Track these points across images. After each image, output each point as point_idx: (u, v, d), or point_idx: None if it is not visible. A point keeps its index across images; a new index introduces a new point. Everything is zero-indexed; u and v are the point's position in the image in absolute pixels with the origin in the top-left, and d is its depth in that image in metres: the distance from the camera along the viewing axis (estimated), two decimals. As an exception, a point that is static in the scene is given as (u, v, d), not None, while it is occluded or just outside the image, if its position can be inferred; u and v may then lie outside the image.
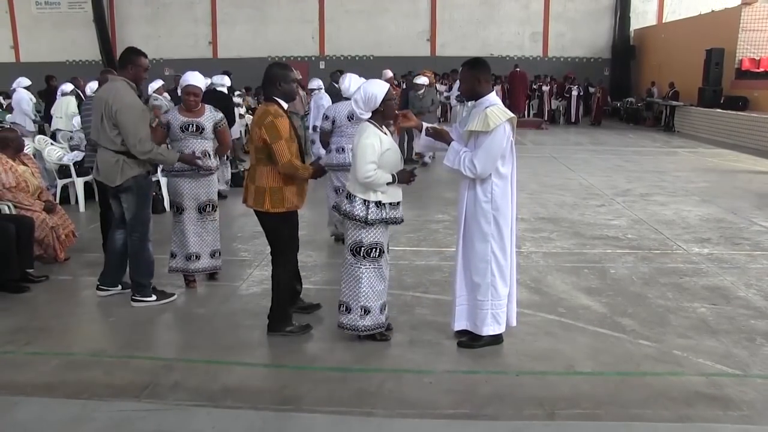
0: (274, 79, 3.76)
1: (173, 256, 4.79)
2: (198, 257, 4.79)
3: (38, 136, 9.26)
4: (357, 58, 22.61)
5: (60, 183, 7.70)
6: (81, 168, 7.68)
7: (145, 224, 4.45)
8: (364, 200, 3.61)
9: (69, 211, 6.15)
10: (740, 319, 4.23)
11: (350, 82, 5.78)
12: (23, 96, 10.66)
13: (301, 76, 10.32)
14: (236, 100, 12.66)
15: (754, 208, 7.77)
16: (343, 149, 5.60)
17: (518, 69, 19.40)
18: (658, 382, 3.38)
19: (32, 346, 3.84)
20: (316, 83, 9.60)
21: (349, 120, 5.56)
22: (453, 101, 13.42)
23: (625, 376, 3.46)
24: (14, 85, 11.00)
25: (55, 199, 6.28)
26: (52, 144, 8.45)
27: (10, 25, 24.18)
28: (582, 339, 3.94)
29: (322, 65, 22.02)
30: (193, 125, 4.67)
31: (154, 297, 4.52)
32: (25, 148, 5.96)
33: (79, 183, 7.58)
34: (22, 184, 5.31)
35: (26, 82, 10.98)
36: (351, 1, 23.13)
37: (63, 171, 7.81)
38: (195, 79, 4.71)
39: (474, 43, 22.74)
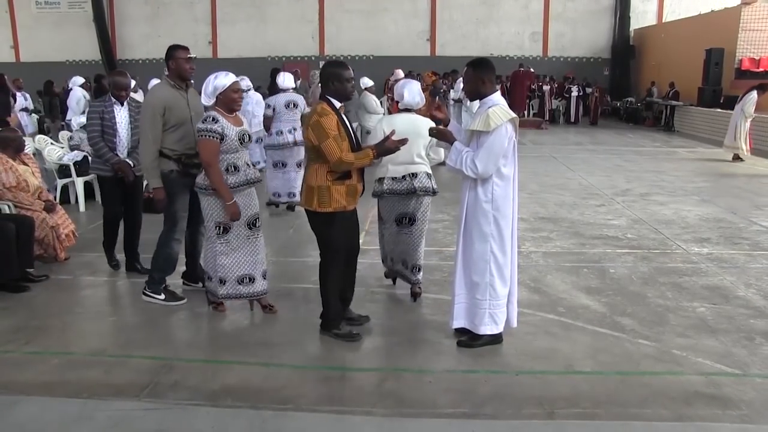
0: (326, 78, 3.77)
1: (223, 282, 4.19)
2: (252, 279, 4.23)
3: (38, 136, 9.28)
4: (357, 57, 22.60)
5: (60, 183, 7.70)
6: (81, 168, 7.69)
7: (171, 220, 4.40)
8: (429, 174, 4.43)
9: (69, 211, 6.15)
10: (739, 319, 4.23)
11: (284, 78, 7.39)
12: (75, 94, 10.96)
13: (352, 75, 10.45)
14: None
15: (753, 207, 7.78)
16: (281, 132, 7.15)
17: (522, 68, 19.38)
18: (657, 382, 3.39)
19: (32, 345, 3.84)
20: (245, 83, 9.92)
21: (286, 108, 7.18)
22: (450, 101, 13.43)
23: (625, 376, 3.47)
24: (70, 84, 11.39)
25: (54, 199, 6.27)
26: (52, 144, 8.46)
27: (10, 25, 24.16)
28: (581, 338, 3.94)
29: (322, 65, 22.01)
30: (246, 135, 4.14)
31: (162, 296, 4.50)
32: (26, 148, 5.95)
33: (79, 183, 7.59)
34: (23, 184, 5.31)
35: (80, 80, 11.44)
36: (351, 0, 23.13)
37: (63, 171, 7.81)
38: (232, 75, 4.14)
39: (474, 43, 22.75)
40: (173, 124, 4.25)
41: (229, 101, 4.06)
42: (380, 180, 4.41)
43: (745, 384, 3.35)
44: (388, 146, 3.70)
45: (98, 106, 5.02)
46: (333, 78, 3.73)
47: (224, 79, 4.04)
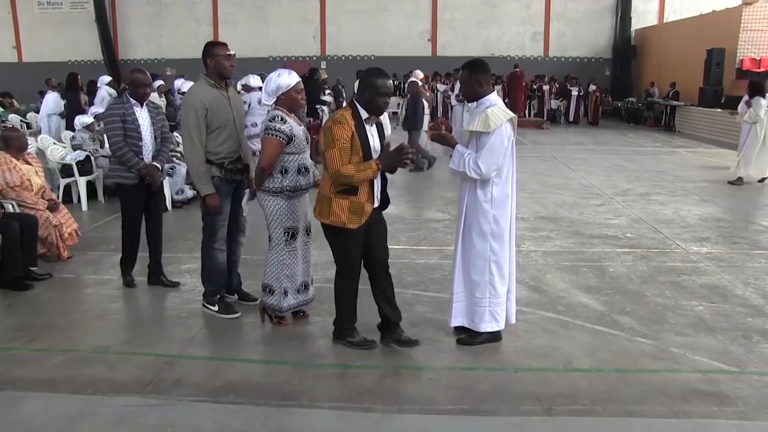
0: (361, 85, 3.59)
1: (286, 294, 4.00)
2: (306, 287, 4.12)
3: (41, 136, 9.32)
4: (358, 58, 22.65)
5: (63, 182, 7.74)
6: (83, 167, 7.73)
7: (210, 229, 4.20)
8: None
9: (71, 210, 6.19)
10: (737, 317, 4.26)
11: (254, 78, 8.14)
12: (100, 93, 11.27)
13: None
14: (328, 98, 12.65)
15: (753, 207, 7.80)
16: (255, 124, 7.22)
17: (517, 69, 19.43)
18: (654, 379, 3.42)
19: (36, 342, 3.89)
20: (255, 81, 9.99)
21: (258, 104, 7.40)
22: (453, 101, 13.49)
23: (623, 373, 3.50)
24: (99, 83, 11.65)
25: (57, 198, 6.31)
26: (54, 143, 8.50)
27: (12, 25, 24.25)
28: (580, 336, 3.97)
29: (323, 65, 22.07)
30: (308, 136, 3.99)
31: (216, 308, 4.32)
32: (29, 147, 5.98)
33: (82, 182, 7.63)
34: (26, 183, 5.36)
35: (107, 78, 11.80)
36: (352, 1, 23.17)
37: (65, 170, 7.85)
38: (295, 74, 3.94)
39: (475, 44, 22.79)
40: (216, 127, 4.03)
41: (291, 101, 3.87)
42: None
43: (742, 381, 3.38)
44: (397, 159, 3.44)
45: (118, 108, 4.62)
46: (367, 88, 3.49)
47: (288, 78, 3.83)
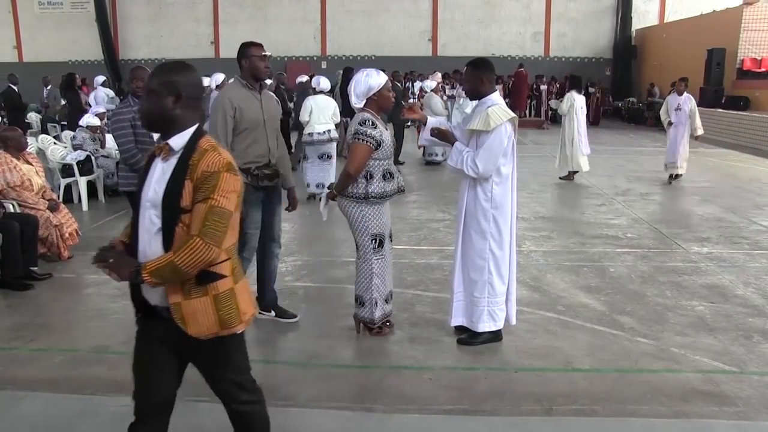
0: None
1: (376, 304, 3.84)
2: (391, 296, 3.96)
3: (41, 135, 9.32)
4: (358, 58, 22.63)
5: (63, 182, 7.75)
6: (84, 167, 7.74)
7: (240, 239, 3.97)
8: None
9: (72, 210, 6.18)
10: (738, 317, 4.26)
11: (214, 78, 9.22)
12: (99, 94, 11.47)
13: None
14: None
15: (753, 207, 7.79)
16: None
17: (522, 68, 19.42)
18: (655, 379, 3.42)
19: (36, 342, 3.89)
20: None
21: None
22: (444, 97, 13.64)
23: (623, 373, 3.49)
24: (94, 84, 12.05)
25: (58, 198, 6.31)
26: (55, 143, 8.51)
27: (13, 25, 24.26)
28: (580, 336, 3.97)
29: (323, 65, 22.07)
30: (394, 139, 3.98)
31: (273, 313, 4.21)
32: (29, 147, 5.98)
33: (82, 182, 7.63)
34: (27, 183, 5.35)
35: (101, 78, 12.12)
36: (352, 1, 23.17)
37: (66, 170, 7.85)
38: (383, 73, 3.80)
39: (475, 43, 22.78)
40: (244, 128, 3.86)
41: (383, 101, 3.75)
42: (309, 134, 7.63)
43: (743, 381, 3.38)
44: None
45: (126, 112, 4.36)
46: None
47: (378, 78, 3.71)
